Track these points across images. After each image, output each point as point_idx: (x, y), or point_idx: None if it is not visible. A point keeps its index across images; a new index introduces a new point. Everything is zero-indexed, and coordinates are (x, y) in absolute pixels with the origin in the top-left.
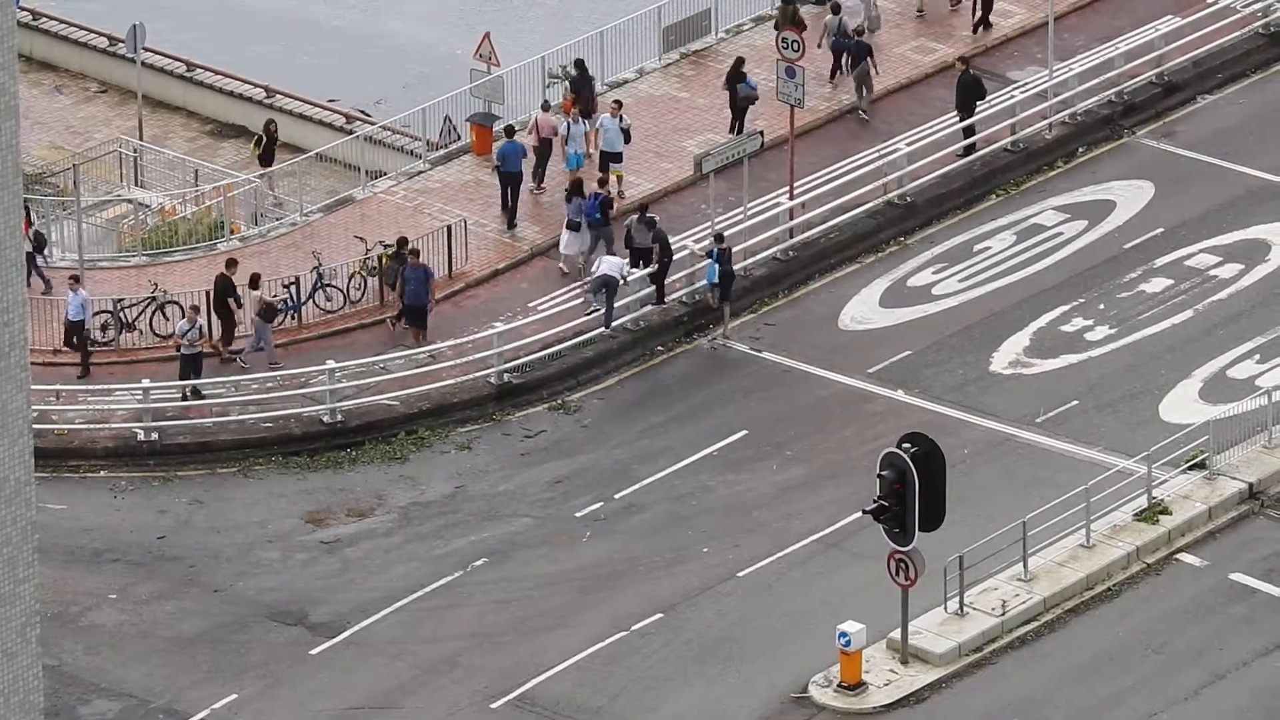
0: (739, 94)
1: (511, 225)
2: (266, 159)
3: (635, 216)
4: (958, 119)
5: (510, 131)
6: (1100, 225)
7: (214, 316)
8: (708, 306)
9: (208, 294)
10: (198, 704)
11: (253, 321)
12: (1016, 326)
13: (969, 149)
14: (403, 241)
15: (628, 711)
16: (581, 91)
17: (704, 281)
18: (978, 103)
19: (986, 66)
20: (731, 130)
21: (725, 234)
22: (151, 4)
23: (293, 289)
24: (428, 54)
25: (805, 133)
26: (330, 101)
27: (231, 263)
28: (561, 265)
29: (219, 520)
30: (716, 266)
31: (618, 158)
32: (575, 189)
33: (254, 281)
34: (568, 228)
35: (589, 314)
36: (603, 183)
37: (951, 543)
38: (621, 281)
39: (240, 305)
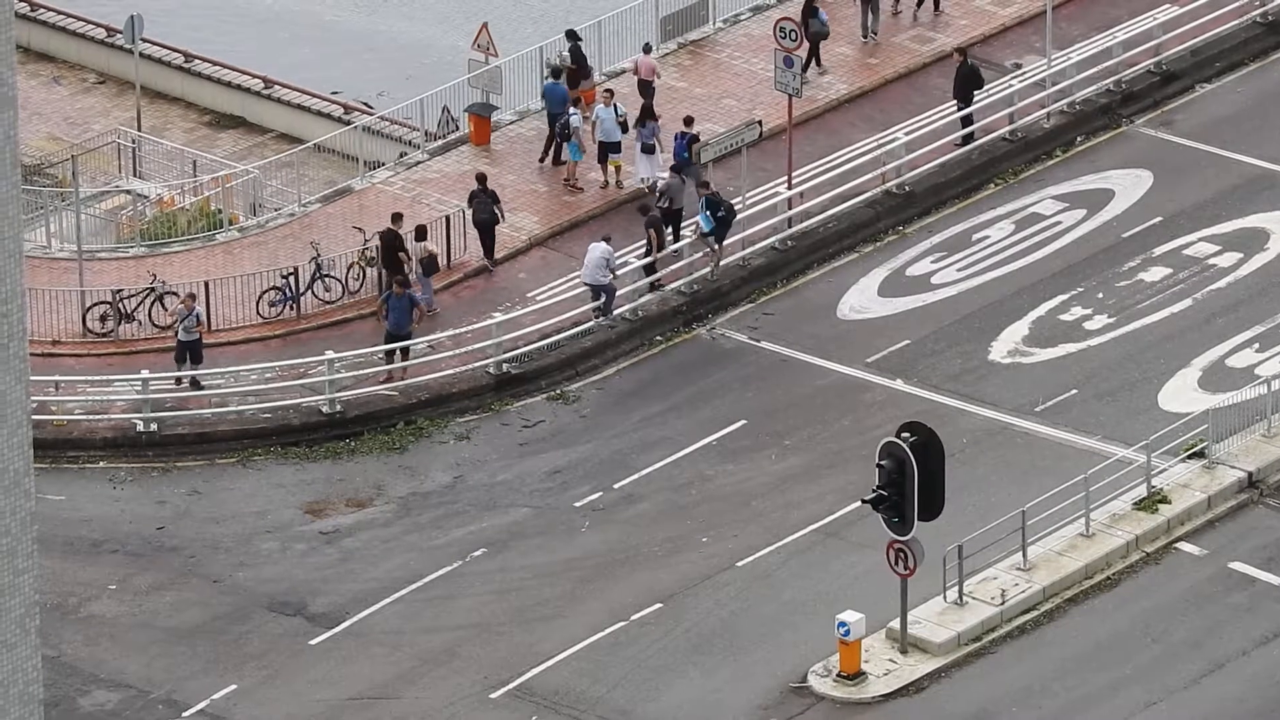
0: (810, 29)
1: (543, 160)
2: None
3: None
4: (956, 108)
5: (556, 73)
6: (1099, 214)
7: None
8: (706, 296)
9: (376, 249)
10: (197, 694)
11: (414, 274)
12: (1015, 315)
13: (967, 138)
14: (481, 177)
15: (626, 701)
16: (575, 56)
17: (702, 267)
18: (975, 92)
19: (984, 56)
20: (805, 67)
21: (710, 182)
22: None
23: (291, 279)
24: (428, 45)
25: (803, 122)
26: (333, 94)
27: (397, 216)
28: (643, 188)
29: (218, 511)
30: (707, 214)
31: (616, 148)
32: (646, 113)
33: (420, 233)
34: (643, 151)
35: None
36: (690, 121)
37: (950, 532)
38: (611, 274)
39: (410, 258)
